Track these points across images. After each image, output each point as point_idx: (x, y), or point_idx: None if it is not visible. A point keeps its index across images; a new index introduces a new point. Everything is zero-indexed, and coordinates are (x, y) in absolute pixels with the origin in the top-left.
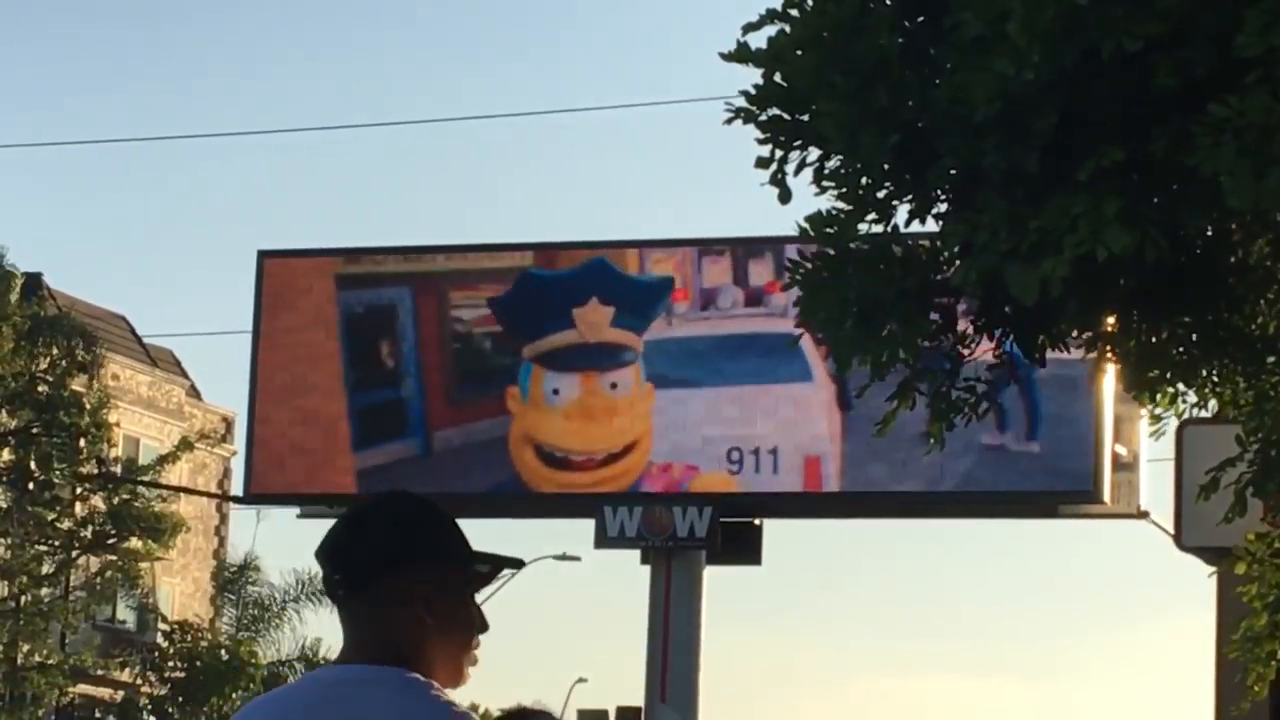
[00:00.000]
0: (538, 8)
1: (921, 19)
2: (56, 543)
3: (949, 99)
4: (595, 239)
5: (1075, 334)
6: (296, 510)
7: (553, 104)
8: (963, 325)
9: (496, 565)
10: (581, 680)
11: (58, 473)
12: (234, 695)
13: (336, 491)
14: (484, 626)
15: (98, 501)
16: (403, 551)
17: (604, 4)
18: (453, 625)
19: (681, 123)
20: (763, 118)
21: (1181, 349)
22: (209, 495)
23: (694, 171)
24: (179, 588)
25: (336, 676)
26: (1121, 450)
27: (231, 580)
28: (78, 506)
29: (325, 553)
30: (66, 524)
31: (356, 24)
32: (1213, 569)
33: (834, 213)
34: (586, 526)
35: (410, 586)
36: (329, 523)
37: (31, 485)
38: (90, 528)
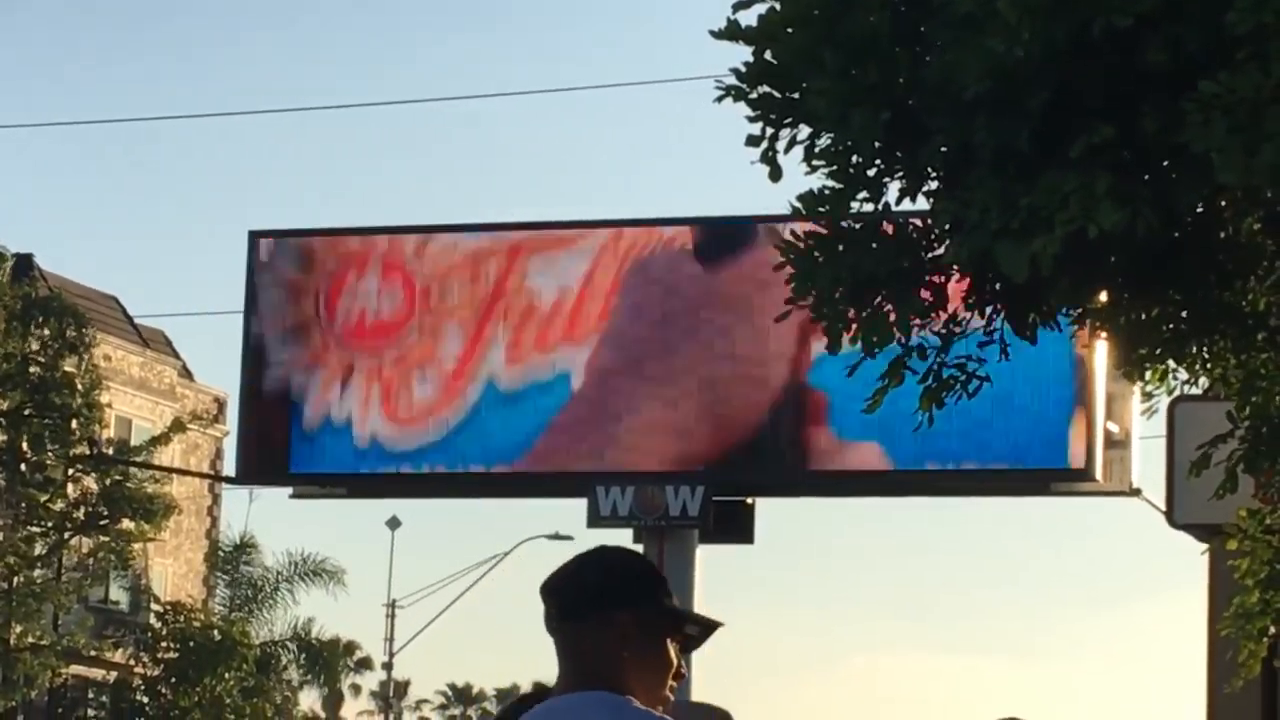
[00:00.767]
0: None
1: None
2: (49, 524)
3: (940, 76)
4: (585, 218)
5: (1066, 311)
6: (289, 491)
7: (546, 83)
8: (954, 303)
9: (706, 628)
10: None
11: (50, 454)
12: (226, 675)
13: (329, 471)
14: (679, 674)
15: (90, 483)
16: (610, 595)
17: None
18: (649, 665)
19: (671, 101)
20: (753, 96)
21: (1172, 326)
22: (201, 476)
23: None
24: (171, 568)
25: (554, 705)
26: (1113, 428)
27: (228, 560)
28: (70, 488)
29: (545, 587)
30: (59, 505)
31: (350, 7)
32: (1204, 546)
33: (825, 191)
34: (579, 506)
35: (613, 627)
36: (321, 503)
37: (23, 466)
38: (82, 509)
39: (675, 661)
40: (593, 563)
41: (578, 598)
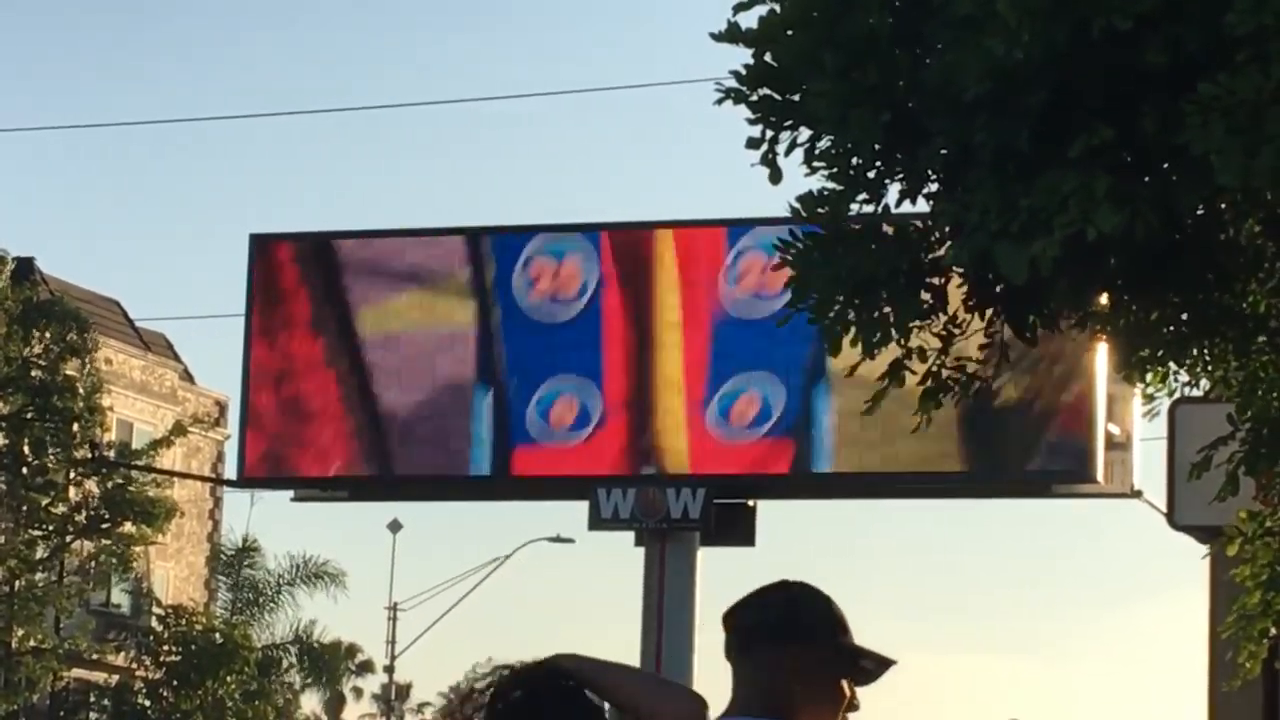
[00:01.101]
0: None
1: None
2: (50, 527)
3: (939, 78)
4: (592, 220)
5: (1066, 313)
6: (290, 494)
7: (549, 86)
8: (954, 305)
9: (880, 665)
10: None
11: (51, 457)
12: (228, 678)
13: (331, 475)
14: (853, 706)
15: (91, 486)
16: (787, 629)
17: None
18: (820, 699)
19: (672, 103)
20: (753, 98)
21: (1172, 328)
22: (203, 479)
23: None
24: (173, 572)
25: None
26: (1115, 429)
27: (230, 563)
28: (71, 491)
29: (727, 618)
30: (60, 509)
31: (351, 7)
32: (1205, 548)
33: (825, 193)
34: (580, 508)
35: (788, 660)
36: (322, 506)
37: (25, 470)
38: (84, 512)
39: (847, 694)
40: (774, 597)
41: (756, 630)
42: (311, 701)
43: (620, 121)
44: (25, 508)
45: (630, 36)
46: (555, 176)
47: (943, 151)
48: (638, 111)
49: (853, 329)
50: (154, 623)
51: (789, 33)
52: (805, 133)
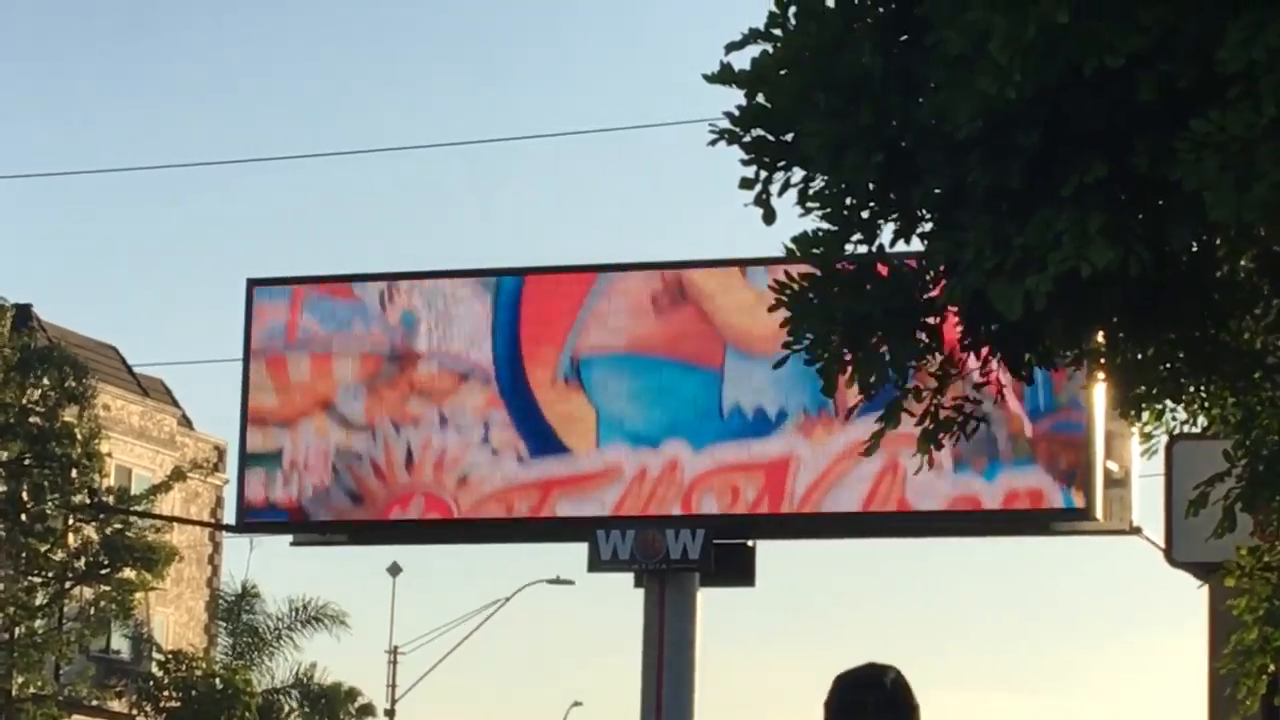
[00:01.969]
0: (522, 31)
1: (904, 38)
2: (50, 574)
3: (932, 117)
4: (585, 261)
5: (1062, 351)
6: (289, 539)
7: (539, 128)
8: (950, 345)
9: None
10: (577, 704)
11: (50, 503)
12: None
13: (331, 519)
14: None
15: (90, 532)
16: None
17: (586, 27)
18: None
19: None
20: (746, 139)
21: (1168, 365)
22: (202, 524)
23: (679, 193)
24: (173, 617)
25: None
26: (1113, 467)
27: (230, 608)
28: (70, 537)
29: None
30: (59, 555)
31: (344, 51)
32: (1203, 583)
33: (819, 233)
34: (580, 550)
35: None
36: (322, 550)
37: (24, 516)
38: (83, 558)
39: None
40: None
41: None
42: None
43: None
44: (24, 554)
45: (623, 79)
46: (556, 219)
47: (936, 190)
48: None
49: (849, 369)
50: (154, 668)
51: (782, 73)
52: (799, 173)
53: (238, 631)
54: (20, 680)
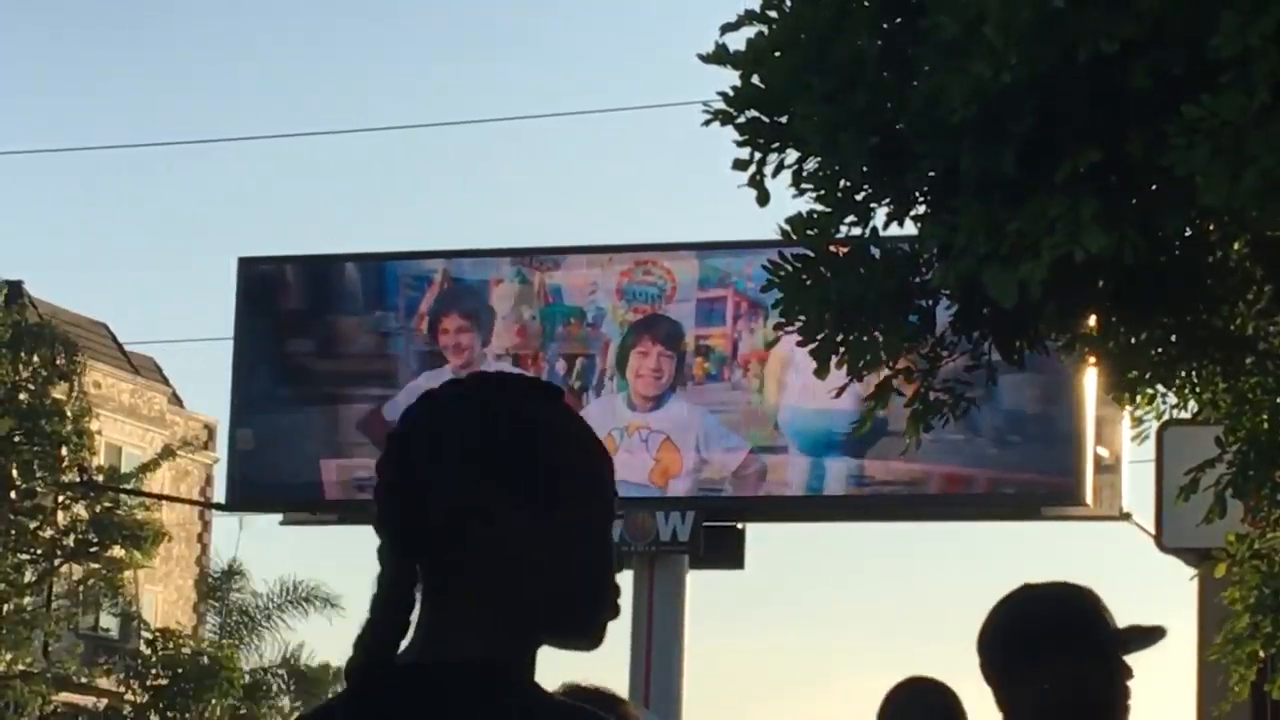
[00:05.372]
0: (519, 11)
1: (899, 21)
2: (38, 551)
3: (926, 101)
4: (580, 243)
5: (1054, 336)
6: (279, 517)
7: (533, 108)
8: (942, 327)
9: None
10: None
11: (39, 481)
12: (215, 702)
13: (320, 499)
14: None
15: (80, 510)
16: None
17: (580, 6)
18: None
19: (661, 125)
20: (741, 120)
21: (1160, 350)
22: (191, 503)
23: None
24: (162, 595)
25: None
26: (1103, 452)
27: (216, 587)
28: (60, 515)
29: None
30: (49, 532)
31: (337, 27)
32: (1194, 570)
33: (813, 215)
34: None
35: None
36: (313, 530)
37: (13, 494)
38: (72, 536)
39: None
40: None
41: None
42: None
43: (621, 143)
44: (13, 532)
45: (618, 59)
46: (556, 199)
47: (930, 174)
48: (639, 133)
49: (841, 351)
50: (143, 646)
51: (777, 55)
52: (793, 154)
53: (226, 610)
54: (9, 657)
